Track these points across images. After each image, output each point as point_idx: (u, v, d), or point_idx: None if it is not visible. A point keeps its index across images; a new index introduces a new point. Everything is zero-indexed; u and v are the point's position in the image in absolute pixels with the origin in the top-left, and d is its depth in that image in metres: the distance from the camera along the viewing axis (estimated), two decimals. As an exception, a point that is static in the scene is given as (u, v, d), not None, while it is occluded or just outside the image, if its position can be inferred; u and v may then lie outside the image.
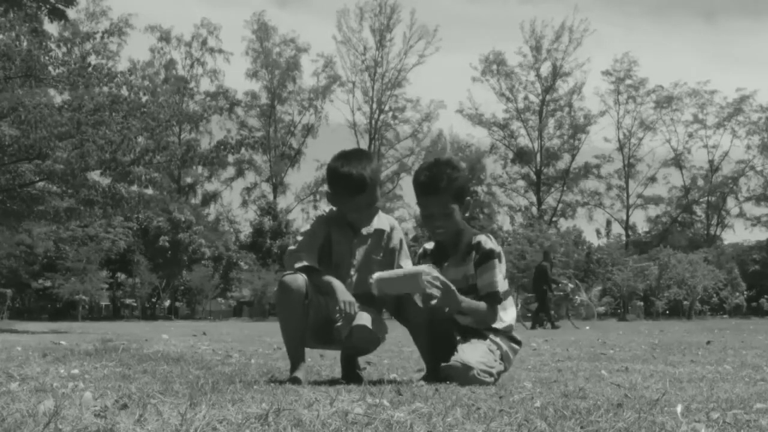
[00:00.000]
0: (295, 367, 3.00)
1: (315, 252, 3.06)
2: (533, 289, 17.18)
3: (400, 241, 3.22)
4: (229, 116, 54.59)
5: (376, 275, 2.95)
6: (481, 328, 3.09)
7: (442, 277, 2.89)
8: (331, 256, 3.10)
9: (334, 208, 3.13)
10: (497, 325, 3.11)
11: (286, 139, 55.92)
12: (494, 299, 3.07)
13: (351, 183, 2.98)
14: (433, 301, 2.85)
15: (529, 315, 17.94)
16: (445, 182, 3.04)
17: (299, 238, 3.12)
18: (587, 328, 15.76)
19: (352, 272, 3.10)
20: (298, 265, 2.99)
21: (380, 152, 54.95)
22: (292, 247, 3.10)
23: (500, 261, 3.10)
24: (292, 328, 3.01)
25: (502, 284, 3.09)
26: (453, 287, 2.90)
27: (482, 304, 3.04)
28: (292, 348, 3.04)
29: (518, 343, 3.22)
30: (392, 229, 3.20)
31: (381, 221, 3.18)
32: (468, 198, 3.16)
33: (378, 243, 3.15)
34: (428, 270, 2.87)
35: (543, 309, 16.60)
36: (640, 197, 55.32)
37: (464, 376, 2.84)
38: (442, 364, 2.90)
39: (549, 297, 16.88)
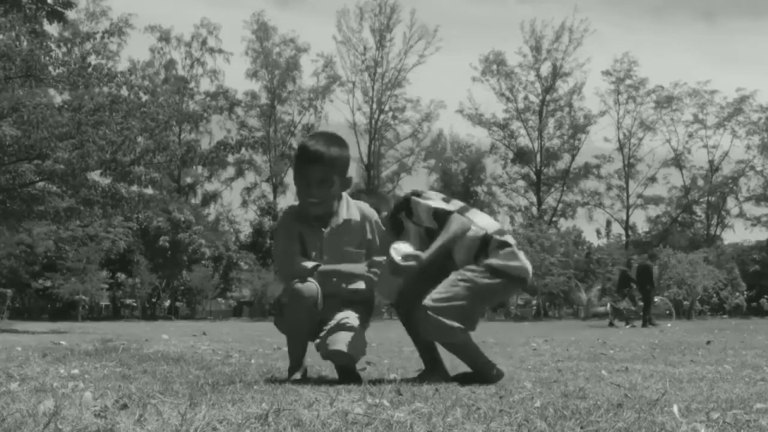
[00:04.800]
0: (295, 368, 3.02)
1: (299, 251, 3.02)
2: (638, 288, 17.18)
3: (375, 224, 3.13)
4: (229, 116, 54.64)
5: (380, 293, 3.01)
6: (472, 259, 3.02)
7: (405, 250, 2.89)
8: (305, 252, 3.05)
9: (296, 203, 3.09)
10: (472, 233, 3.01)
11: (286, 139, 55.91)
12: (440, 218, 2.98)
13: (305, 154, 2.94)
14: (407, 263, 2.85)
15: (613, 312, 18.02)
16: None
17: (279, 247, 3.07)
18: (668, 325, 16.02)
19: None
20: (305, 272, 2.94)
21: (380, 152, 54.95)
22: (279, 258, 3.06)
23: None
24: (299, 333, 3.02)
25: (436, 203, 3.02)
26: (420, 255, 2.88)
27: (444, 232, 2.94)
28: (295, 352, 3.05)
29: (501, 273, 3.01)
30: (364, 217, 3.10)
31: (350, 211, 3.08)
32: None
33: (349, 233, 3.06)
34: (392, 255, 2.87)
35: (648, 308, 16.66)
36: (640, 197, 55.34)
37: (424, 320, 2.87)
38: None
39: (652, 296, 17.03)
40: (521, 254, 3.08)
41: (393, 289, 3.20)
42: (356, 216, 3.08)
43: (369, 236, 3.11)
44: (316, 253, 3.03)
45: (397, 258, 2.84)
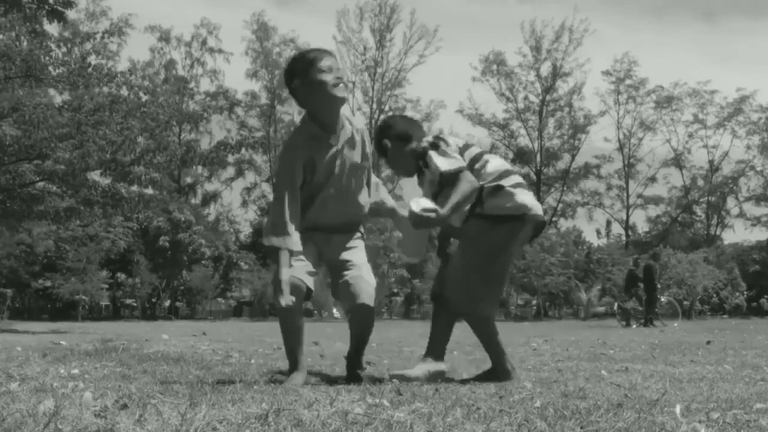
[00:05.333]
0: (293, 368, 3.02)
1: (298, 214, 2.97)
2: (644, 288, 17.18)
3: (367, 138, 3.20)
4: (229, 116, 54.60)
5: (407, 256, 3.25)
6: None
7: (423, 204, 2.93)
8: (314, 175, 3.03)
9: (297, 118, 3.15)
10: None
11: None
12: (450, 179, 2.96)
13: (310, 53, 2.99)
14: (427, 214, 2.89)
15: (621, 312, 18.06)
16: None
17: (282, 195, 2.95)
18: (675, 325, 15.97)
19: (332, 190, 3.06)
20: (279, 244, 2.89)
21: (380, 152, 54.92)
22: (277, 209, 2.95)
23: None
24: (293, 332, 3.02)
25: (446, 163, 2.99)
26: (431, 207, 2.91)
27: (455, 192, 2.91)
28: (293, 353, 3.05)
29: (498, 218, 3.00)
30: (360, 131, 3.14)
31: (354, 123, 3.11)
32: None
33: (355, 146, 3.10)
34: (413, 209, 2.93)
35: (651, 308, 16.65)
36: (640, 197, 55.33)
37: (452, 292, 3.04)
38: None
39: (656, 296, 17.02)
40: (519, 191, 3.01)
41: (419, 248, 3.32)
42: (360, 125, 3.15)
43: (369, 147, 3.16)
44: (330, 175, 3.03)
45: (417, 209, 2.89)
